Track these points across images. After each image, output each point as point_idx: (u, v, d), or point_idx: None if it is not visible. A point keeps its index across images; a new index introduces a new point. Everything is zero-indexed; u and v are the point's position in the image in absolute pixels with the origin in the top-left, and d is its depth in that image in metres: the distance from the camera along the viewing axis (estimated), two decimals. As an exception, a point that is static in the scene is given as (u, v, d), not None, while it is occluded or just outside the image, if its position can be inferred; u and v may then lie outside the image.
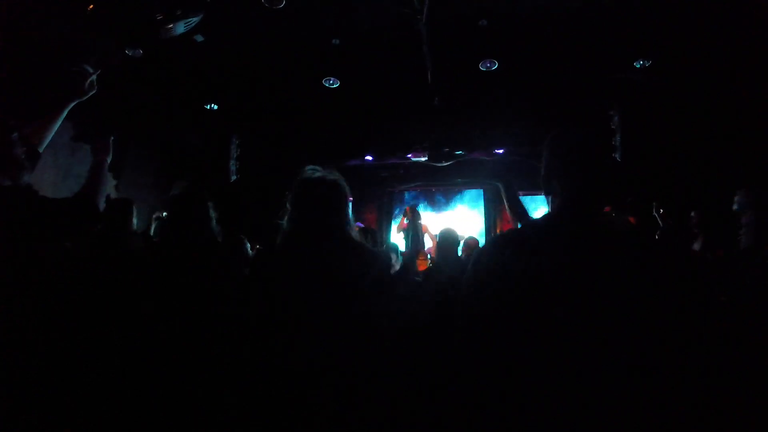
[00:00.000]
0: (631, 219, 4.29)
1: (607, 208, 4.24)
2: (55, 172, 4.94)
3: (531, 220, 1.62)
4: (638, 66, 4.89)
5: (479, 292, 1.28)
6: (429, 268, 3.80)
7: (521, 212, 2.68)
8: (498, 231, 8.77)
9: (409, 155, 7.90)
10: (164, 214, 4.70)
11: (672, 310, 1.18)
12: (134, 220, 3.75)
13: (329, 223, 2.05)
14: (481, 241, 6.31)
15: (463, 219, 9.42)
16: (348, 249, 2.02)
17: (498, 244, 1.35)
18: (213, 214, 2.91)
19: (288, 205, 2.13)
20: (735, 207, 2.80)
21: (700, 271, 3.27)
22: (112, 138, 2.24)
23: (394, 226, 8.44)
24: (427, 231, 8.56)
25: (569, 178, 1.32)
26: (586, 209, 1.27)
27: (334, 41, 4.69)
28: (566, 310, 1.16)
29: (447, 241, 3.37)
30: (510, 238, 1.37)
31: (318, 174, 2.08)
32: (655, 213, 4.19)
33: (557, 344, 1.15)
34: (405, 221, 8.46)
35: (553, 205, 1.36)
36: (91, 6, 3.09)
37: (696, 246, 3.90)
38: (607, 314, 1.15)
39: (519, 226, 2.71)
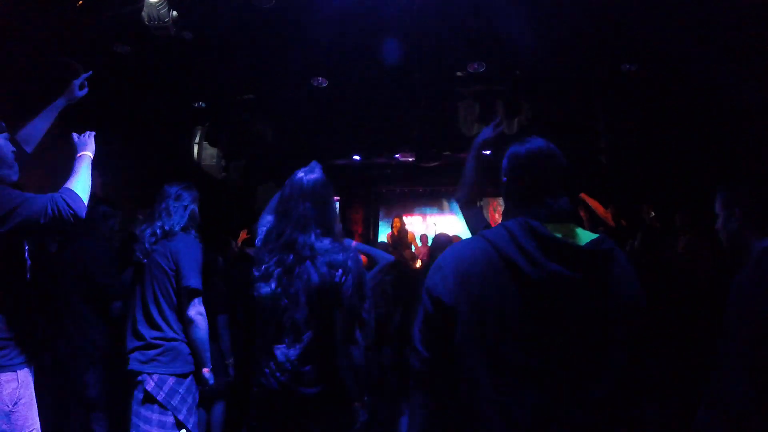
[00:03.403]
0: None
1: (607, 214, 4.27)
2: (40, 170, 4.83)
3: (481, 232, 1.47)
4: (625, 70, 4.95)
5: (428, 313, 1.29)
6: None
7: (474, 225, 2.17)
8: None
9: (397, 155, 7.92)
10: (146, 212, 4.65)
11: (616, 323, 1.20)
12: (117, 221, 3.71)
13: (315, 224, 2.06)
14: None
15: (450, 220, 9.48)
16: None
17: (440, 266, 1.32)
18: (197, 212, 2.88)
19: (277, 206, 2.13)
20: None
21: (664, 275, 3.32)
22: (95, 134, 2.21)
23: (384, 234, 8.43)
24: (413, 237, 8.59)
25: (515, 200, 1.37)
26: (532, 228, 1.23)
27: (322, 41, 4.67)
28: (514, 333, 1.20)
29: (440, 247, 3.38)
30: (452, 258, 1.33)
31: (304, 176, 2.08)
32: (643, 214, 4.25)
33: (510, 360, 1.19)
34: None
35: (503, 218, 1.38)
36: (81, 2, 3.04)
37: (680, 246, 3.97)
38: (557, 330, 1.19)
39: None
